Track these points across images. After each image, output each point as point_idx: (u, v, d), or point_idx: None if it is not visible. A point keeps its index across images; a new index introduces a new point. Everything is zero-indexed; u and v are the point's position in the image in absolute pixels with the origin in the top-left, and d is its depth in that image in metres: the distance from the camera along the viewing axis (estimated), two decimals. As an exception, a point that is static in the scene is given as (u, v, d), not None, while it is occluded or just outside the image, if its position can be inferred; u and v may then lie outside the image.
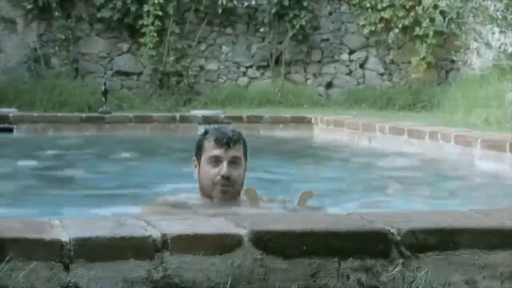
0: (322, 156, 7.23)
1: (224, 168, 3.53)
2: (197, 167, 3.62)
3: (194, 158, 3.66)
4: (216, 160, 3.55)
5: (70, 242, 2.11)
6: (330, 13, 12.00)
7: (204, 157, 3.59)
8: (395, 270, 2.26)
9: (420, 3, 11.50)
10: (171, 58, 11.43)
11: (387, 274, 2.26)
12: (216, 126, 3.74)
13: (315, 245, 2.22)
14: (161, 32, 11.39)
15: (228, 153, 3.55)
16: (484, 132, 7.01)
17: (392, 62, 12.03)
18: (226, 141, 3.56)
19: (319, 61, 11.99)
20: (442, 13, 9.10)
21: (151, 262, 2.14)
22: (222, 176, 3.53)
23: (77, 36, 11.50)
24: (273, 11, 11.58)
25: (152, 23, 11.25)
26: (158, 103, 11.10)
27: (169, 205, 3.60)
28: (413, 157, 7.05)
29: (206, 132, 3.66)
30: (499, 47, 9.84)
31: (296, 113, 9.92)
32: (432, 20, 10.79)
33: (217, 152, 3.56)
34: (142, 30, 11.32)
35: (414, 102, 11.08)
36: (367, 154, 7.60)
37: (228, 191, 3.55)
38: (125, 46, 11.63)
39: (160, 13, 11.25)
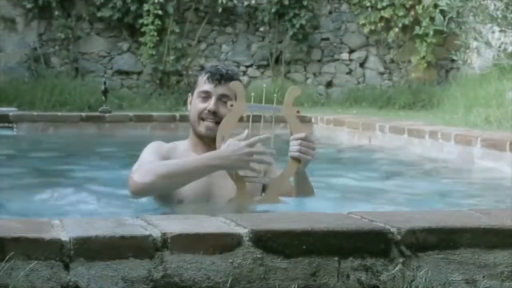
0: (322, 155, 7.22)
1: (211, 103, 3.53)
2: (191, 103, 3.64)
3: (190, 93, 3.67)
4: (206, 96, 3.56)
5: (70, 241, 2.11)
6: (330, 12, 12.01)
7: (196, 92, 3.60)
8: (395, 269, 2.26)
9: (420, 2, 11.51)
10: (171, 57, 11.44)
11: (387, 273, 2.26)
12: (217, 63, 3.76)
13: (315, 244, 2.22)
14: (161, 31, 11.40)
15: (218, 89, 3.55)
16: (484, 131, 7.01)
17: (392, 61, 12.03)
18: (217, 77, 3.55)
19: (319, 60, 11.99)
20: (442, 12, 9.09)
21: (151, 262, 2.15)
22: (209, 111, 3.52)
23: (77, 36, 11.51)
24: (273, 10, 11.59)
25: (152, 22, 11.26)
26: (158, 102, 11.11)
27: (165, 147, 3.62)
28: (413, 156, 7.05)
29: (202, 68, 3.68)
30: (499, 46, 9.84)
31: (296, 112, 9.90)
32: (432, 19, 10.80)
33: (207, 87, 3.56)
34: (142, 29, 11.32)
35: (414, 101, 11.09)
36: (367, 153, 7.60)
37: (212, 128, 3.52)
38: (125, 45, 11.64)
39: (160, 12, 11.25)
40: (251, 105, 3.48)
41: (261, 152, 3.42)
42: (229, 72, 3.62)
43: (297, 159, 3.44)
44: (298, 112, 3.50)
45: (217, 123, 3.52)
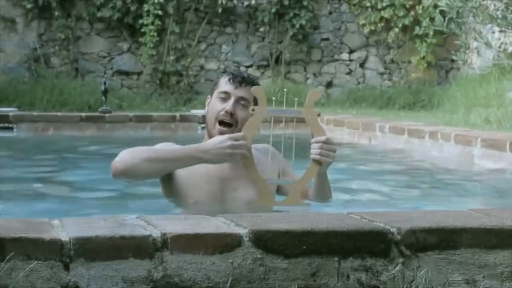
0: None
1: (230, 104, 3.53)
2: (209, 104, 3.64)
3: (209, 95, 3.68)
4: (225, 96, 3.55)
5: (70, 241, 2.11)
6: (330, 13, 12.01)
7: (215, 93, 3.60)
8: (395, 269, 2.26)
9: (420, 2, 11.51)
10: (171, 58, 11.43)
11: (387, 273, 2.26)
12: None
13: (315, 244, 2.22)
14: (161, 31, 11.39)
15: (238, 91, 3.55)
16: (484, 131, 7.01)
17: (392, 61, 12.03)
18: (239, 80, 3.56)
19: (319, 61, 11.99)
20: (442, 12, 9.10)
21: (151, 262, 2.15)
22: (226, 111, 3.52)
23: (77, 36, 11.50)
24: (273, 10, 11.59)
25: (152, 23, 11.26)
26: (158, 102, 11.10)
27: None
28: (412, 156, 7.05)
29: (225, 71, 3.69)
30: (499, 47, 9.85)
31: (296, 112, 9.89)
32: (432, 19, 10.79)
33: (227, 88, 3.56)
34: (142, 30, 11.32)
35: (414, 101, 11.08)
36: (367, 153, 7.60)
37: (226, 132, 3.51)
38: (125, 46, 11.64)
39: (160, 12, 11.25)
40: (272, 109, 3.50)
41: (240, 145, 3.40)
42: (251, 77, 3.64)
43: (318, 162, 3.46)
44: (319, 115, 3.53)
45: (231, 125, 3.52)
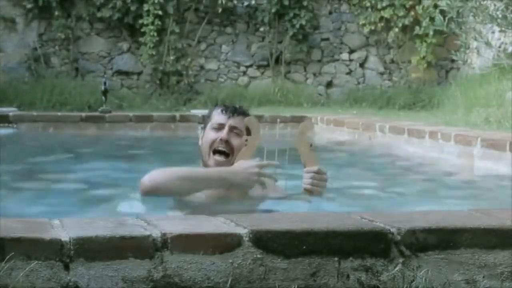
0: (322, 156, 7.21)
1: (224, 132, 3.64)
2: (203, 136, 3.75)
3: (201, 128, 3.81)
4: (219, 127, 3.67)
5: (70, 241, 2.11)
6: (330, 13, 12.01)
7: (209, 124, 3.72)
8: (395, 269, 2.26)
9: (420, 2, 11.51)
10: (171, 58, 11.44)
11: (387, 273, 2.26)
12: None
13: (315, 244, 2.22)
14: (161, 31, 11.40)
15: (230, 121, 3.67)
16: (484, 131, 7.01)
17: (392, 61, 12.03)
18: (231, 110, 3.70)
19: (319, 61, 11.99)
20: (442, 12, 9.10)
21: (151, 262, 2.15)
22: (221, 139, 3.62)
23: (77, 36, 11.51)
24: (273, 10, 11.59)
25: (152, 23, 11.26)
26: (158, 102, 11.11)
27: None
28: (413, 156, 7.05)
29: (216, 104, 3.84)
30: (499, 47, 9.85)
31: (296, 112, 9.91)
32: (432, 19, 10.79)
33: (220, 118, 3.69)
34: (142, 30, 11.32)
35: (414, 101, 11.08)
36: (367, 153, 7.60)
37: (222, 163, 3.60)
38: (125, 46, 11.64)
39: (160, 12, 11.25)
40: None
41: (268, 175, 3.54)
42: (242, 108, 3.80)
43: (309, 191, 3.55)
44: (311, 146, 3.60)
45: (227, 155, 3.61)
